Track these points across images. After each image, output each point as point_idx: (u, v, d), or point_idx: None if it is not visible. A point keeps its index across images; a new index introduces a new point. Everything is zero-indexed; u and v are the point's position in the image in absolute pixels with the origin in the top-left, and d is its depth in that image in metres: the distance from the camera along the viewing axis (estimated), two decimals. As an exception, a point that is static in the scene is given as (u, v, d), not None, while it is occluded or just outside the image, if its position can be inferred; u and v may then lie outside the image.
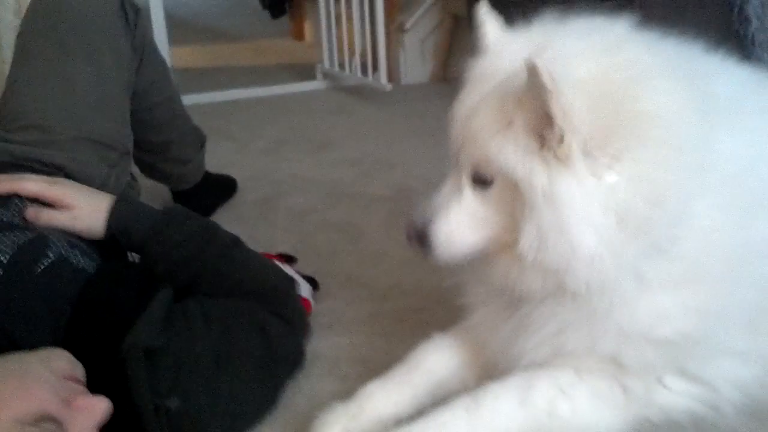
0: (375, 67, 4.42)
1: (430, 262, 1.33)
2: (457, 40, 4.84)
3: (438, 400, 1.44)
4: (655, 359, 1.31)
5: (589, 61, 1.14)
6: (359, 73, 4.55)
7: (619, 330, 1.27)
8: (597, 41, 1.19)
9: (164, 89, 2.32)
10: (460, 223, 1.27)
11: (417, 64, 4.95)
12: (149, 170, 2.50)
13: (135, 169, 2.34)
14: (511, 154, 1.16)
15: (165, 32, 4.09)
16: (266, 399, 1.50)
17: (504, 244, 1.25)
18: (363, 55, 4.50)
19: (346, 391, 1.48)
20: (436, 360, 1.49)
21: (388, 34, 4.46)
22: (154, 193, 2.64)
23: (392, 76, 4.52)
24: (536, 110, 1.12)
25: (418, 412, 1.40)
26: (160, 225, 1.59)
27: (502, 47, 1.27)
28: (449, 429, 1.31)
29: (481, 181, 1.24)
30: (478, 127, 1.20)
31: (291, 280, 1.66)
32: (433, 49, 4.95)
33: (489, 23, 1.31)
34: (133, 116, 2.07)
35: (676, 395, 1.35)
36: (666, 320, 1.26)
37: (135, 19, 2.07)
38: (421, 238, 1.29)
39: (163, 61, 2.35)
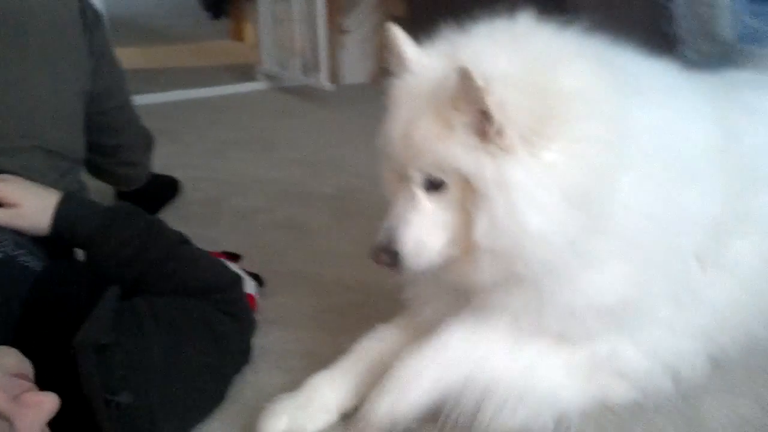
0: (316, 68, 4.44)
1: (403, 275, 1.37)
2: (397, 40, 4.88)
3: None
4: (598, 330, 1.40)
5: (503, 57, 1.22)
6: (300, 74, 4.58)
7: (565, 307, 1.36)
8: (504, 39, 1.28)
9: (119, 94, 2.32)
10: (424, 229, 1.31)
11: (358, 65, 4.99)
12: (97, 171, 2.48)
13: (83, 174, 2.33)
14: (459, 153, 1.23)
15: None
16: (216, 394, 1.53)
17: (468, 244, 1.30)
18: (304, 56, 4.53)
19: (293, 384, 1.52)
20: (380, 351, 1.54)
21: (328, 34, 4.48)
22: (99, 193, 2.63)
23: (334, 76, 4.54)
24: (472, 110, 1.19)
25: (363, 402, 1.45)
26: (106, 223, 1.60)
27: (420, 63, 1.34)
28: (447, 354, 1.39)
29: (434, 187, 1.30)
30: (422, 137, 1.27)
31: (238, 278, 1.69)
32: (373, 50, 4.99)
33: (406, 43, 1.36)
34: (87, 119, 2.07)
35: (631, 362, 1.44)
36: (606, 292, 1.35)
37: (94, 24, 2.07)
38: (389, 252, 1.32)
39: (119, 66, 2.34)
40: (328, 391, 1.47)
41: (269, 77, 4.89)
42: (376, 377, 1.48)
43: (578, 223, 1.24)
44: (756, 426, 1.44)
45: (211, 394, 1.51)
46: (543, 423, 1.38)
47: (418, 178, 1.30)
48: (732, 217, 1.47)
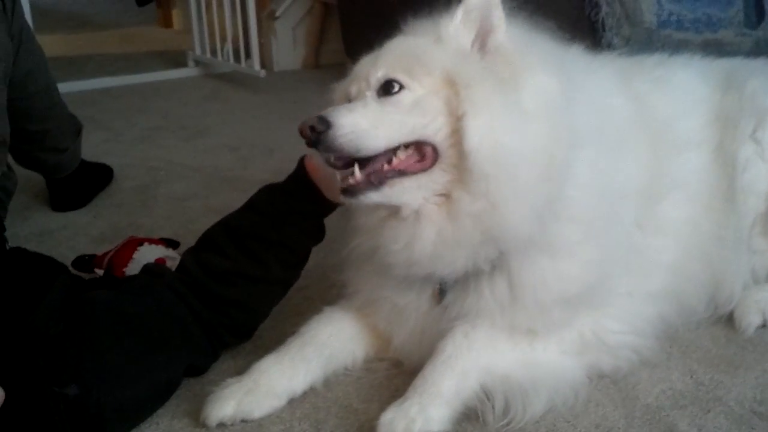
0: (247, 54, 4.41)
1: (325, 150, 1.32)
2: (328, 27, 4.89)
3: (329, 373, 1.52)
4: (563, 321, 1.46)
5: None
6: (231, 60, 4.53)
7: (534, 302, 1.41)
8: None
9: (42, 78, 2.28)
10: (366, 116, 1.32)
11: (289, 51, 4.96)
12: (25, 159, 2.43)
13: (10, 159, 2.29)
14: (455, 58, 1.33)
15: (29, 20, 3.94)
16: (168, 388, 1.49)
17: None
18: (235, 42, 4.48)
19: (238, 368, 1.52)
20: (329, 333, 1.55)
21: (259, 20, 4.45)
22: (30, 183, 2.60)
23: (265, 62, 4.51)
24: (476, 23, 1.33)
25: (311, 387, 1.48)
26: None
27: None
28: (458, 364, 1.40)
29: (387, 92, 1.34)
30: (411, 47, 1.37)
31: None
32: (304, 36, 4.97)
33: None
34: (10, 105, 2.02)
35: (613, 334, 1.51)
36: (572, 282, 1.41)
37: (12, 7, 2.03)
38: (322, 120, 1.30)
39: (40, 50, 2.30)
40: (277, 376, 1.45)
41: (200, 63, 4.82)
42: (324, 361, 1.50)
43: (545, 190, 1.30)
44: (690, 399, 1.48)
45: (164, 389, 1.48)
46: (563, 399, 1.43)
47: (374, 82, 1.35)
48: (657, 180, 1.57)
